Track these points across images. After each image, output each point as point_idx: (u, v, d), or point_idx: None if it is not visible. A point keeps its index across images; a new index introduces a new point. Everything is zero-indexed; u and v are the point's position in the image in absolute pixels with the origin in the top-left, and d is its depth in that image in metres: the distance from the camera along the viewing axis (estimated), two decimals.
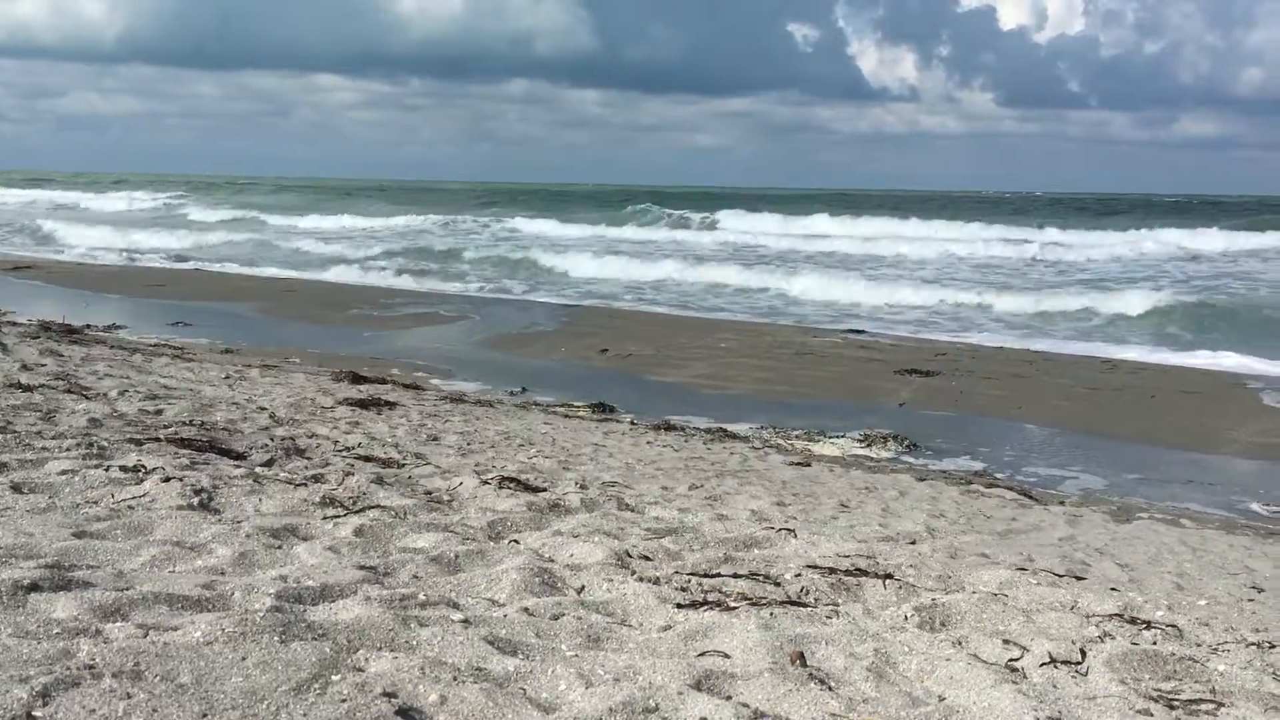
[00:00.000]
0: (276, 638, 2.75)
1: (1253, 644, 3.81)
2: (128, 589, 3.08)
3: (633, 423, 10.09)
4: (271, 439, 6.23)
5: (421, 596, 3.27)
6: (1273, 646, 3.79)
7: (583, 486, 5.83)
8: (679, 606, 3.42)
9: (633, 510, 5.32)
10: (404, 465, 5.95)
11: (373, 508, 4.49)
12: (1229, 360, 15.74)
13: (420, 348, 14.98)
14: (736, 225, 47.83)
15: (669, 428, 9.85)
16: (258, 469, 5.21)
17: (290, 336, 15.37)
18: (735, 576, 3.95)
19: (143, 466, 4.71)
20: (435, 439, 7.48)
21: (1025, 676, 3.07)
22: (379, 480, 5.15)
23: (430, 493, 5.09)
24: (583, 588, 3.59)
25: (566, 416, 10.12)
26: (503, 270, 28.40)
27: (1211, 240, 39.67)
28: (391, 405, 8.93)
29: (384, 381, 10.80)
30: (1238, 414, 11.96)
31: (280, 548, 3.78)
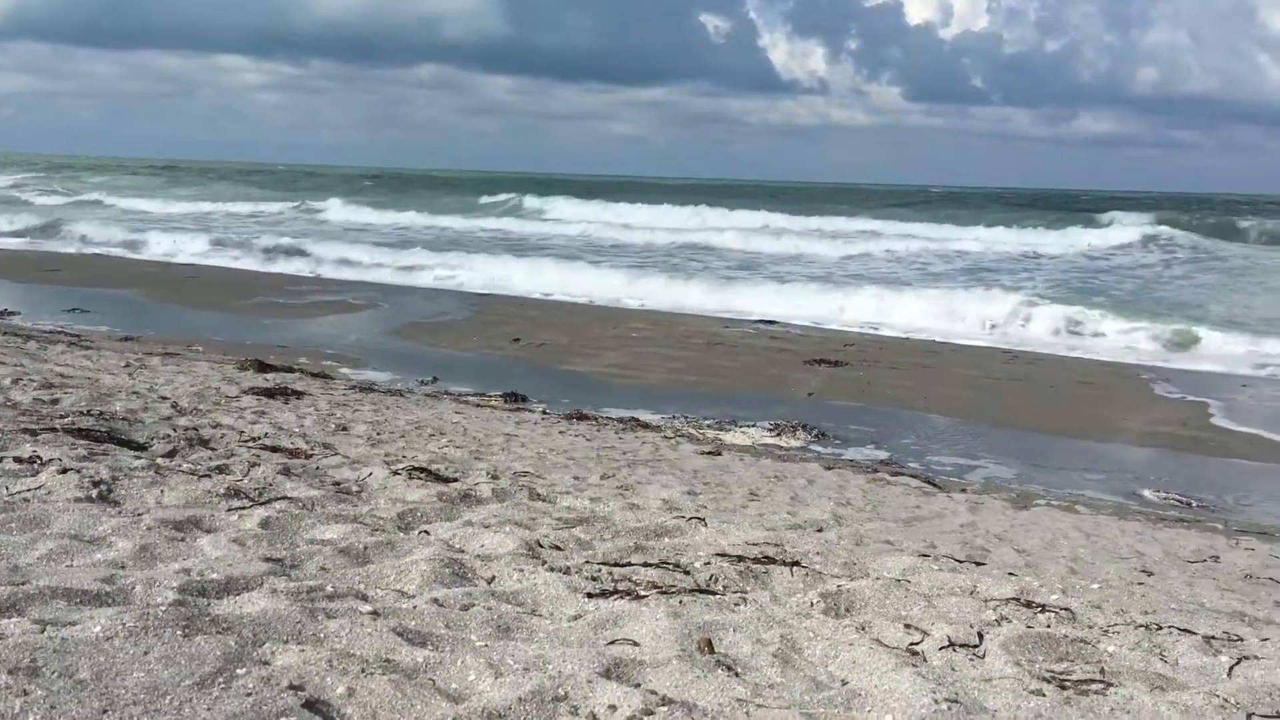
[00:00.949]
0: (179, 632, 2.70)
1: (1141, 626, 3.96)
2: (23, 584, 3.00)
3: (545, 412, 10.08)
4: (174, 429, 6.10)
5: (329, 588, 3.24)
6: (1160, 628, 3.95)
7: (494, 476, 5.81)
8: (589, 596, 3.44)
9: (544, 500, 5.33)
10: (312, 455, 5.87)
11: (279, 499, 4.43)
12: (1119, 351, 16.30)
13: (329, 336, 14.76)
14: (573, 213, 47.73)
15: (582, 417, 9.87)
16: (159, 460, 5.09)
17: (194, 324, 15.03)
18: (646, 565, 3.99)
19: (38, 458, 4.58)
20: (344, 429, 7.39)
21: (925, 660, 3.16)
22: (286, 471, 5.08)
23: (339, 483, 5.03)
24: (493, 578, 3.60)
25: (479, 406, 10.08)
26: None
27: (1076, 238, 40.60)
28: (299, 394, 8.79)
29: (291, 370, 10.63)
30: (1131, 404, 12.39)
31: (183, 540, 3.71)
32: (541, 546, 4.09)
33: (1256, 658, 3.65)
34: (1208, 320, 18.57)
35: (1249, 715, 3.00)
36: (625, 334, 16.15)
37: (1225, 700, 3.08)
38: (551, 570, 3.69)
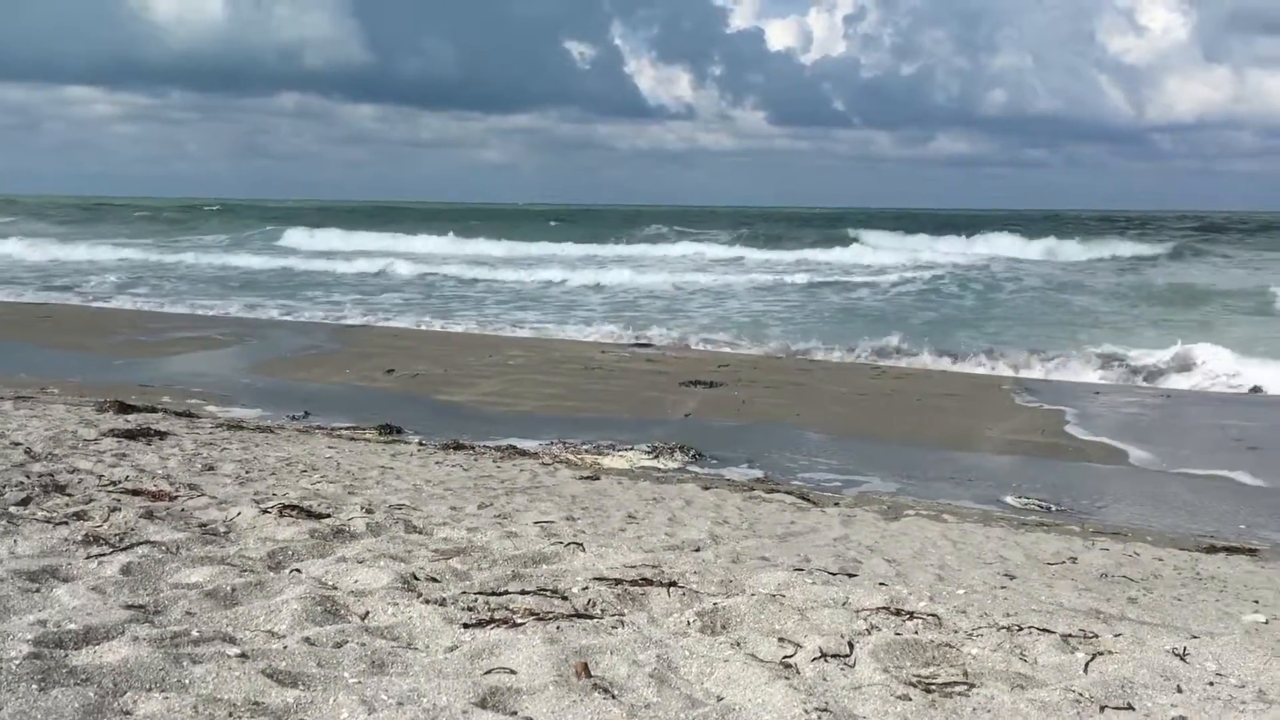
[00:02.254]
0: (35, 686, 2.60)
1: (1003, 628, 4.12)
2: None
3: (421, 443, 9.97)
4: (27, 476, 5.84)
5: (195, 633, 3.15)
6: (1021, 629, 4.11)
7: (369, 511, 5.72)
8: (466, 626, 3.42)
9: (420, 532, 5.28)
10: (176, 497, 5.69)
11: (141, 544, 4.29)
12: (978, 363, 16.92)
13: (194, 373, 14.31)
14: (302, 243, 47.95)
15: (458, 447, 9.78)
16: (11, 509, 4.88)
17: (49, 365, 14.39)
18: (523, 593, 3.98)
19: None
20: (211, 468, 7.18)
21: (798, 672, 3.23)
22: (149, 515, 4.92)
23: (205, 525, 4.90)
24: (367, 613, 3.55)
25: (352, 440, 9.90)
26: None
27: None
28: (163, 435, 8.51)
29: (154, 410, 10.28)
30: (993, 414, 12.86)
31: (38, 591, 3.57)
32: (417, 579, 4.05)
33: (1110, 653, 3.83)
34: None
35: (1102, 708, 3.15)
36: (501, 361, 16.08)
37: (1080, 695, 3.23)
38: (427, 603, 3.66)
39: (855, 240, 48.66)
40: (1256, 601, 5.73)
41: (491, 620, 3.49)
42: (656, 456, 10.03)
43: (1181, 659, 3.78)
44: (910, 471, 9.89)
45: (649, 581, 4.31)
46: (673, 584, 4.27)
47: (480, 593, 3.90)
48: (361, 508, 5.81)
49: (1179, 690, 3.40)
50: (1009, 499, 8.96)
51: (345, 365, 15.40)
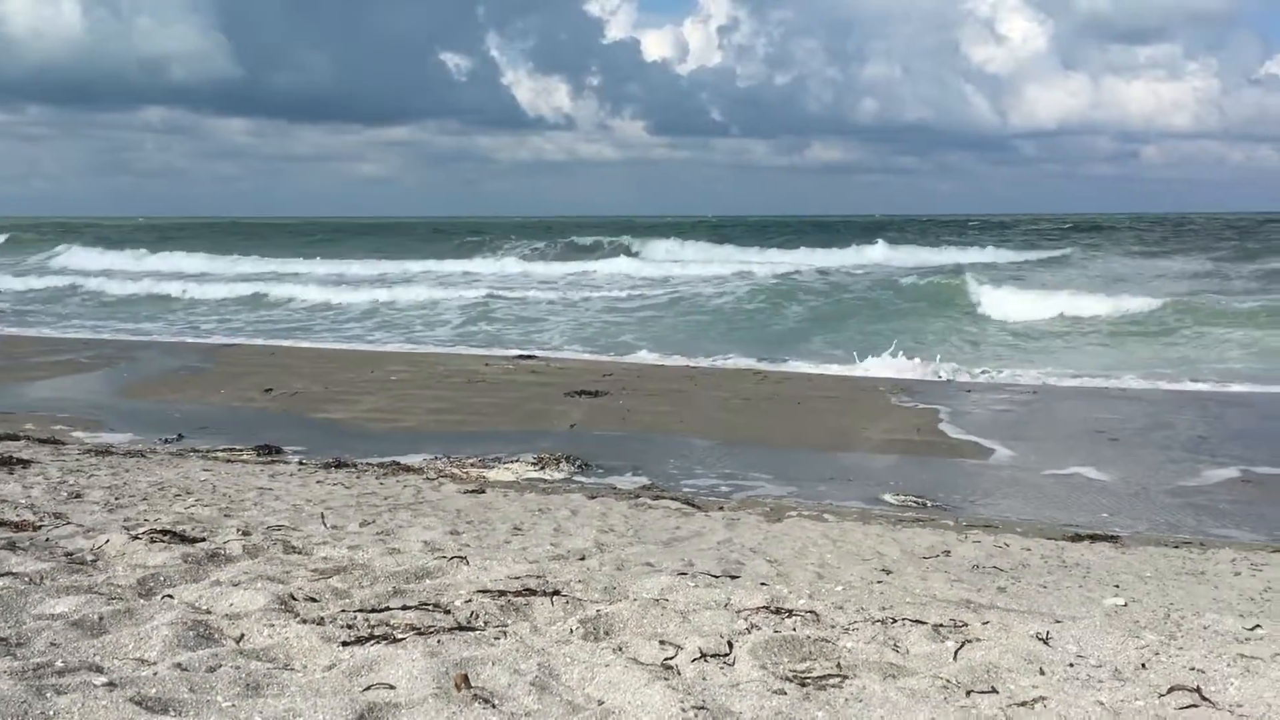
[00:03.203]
0: None
1: (878, 621, 4.24)
2: None
3: (301, 463, 9.78)
4: None
5: (60, 664, 3.06)
6: (895, 621, 4.24)
7: (245, 533, 5.60)
8: (345, 644, 3.39)
9: (300, 552, 5.18)
10: (40, 527, 5.48)
11: (2, 575, 4.12)
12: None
13: (60, 398, 13.78)
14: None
15: (340, 465, 9.63)
16: None
17: None
18: (405, 609, 3.95)
19: None
20: (78, 496, 6.94)
21: (678, 673, 3.28)
22: (10, 546, 4.73)
23: (71, 554, 4.73)
24: (242, 636, 3.48)
25: (229, 461, 9.66)
26: None
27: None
28: (25, 463, 8.18)
29: (16, 438, 9.87)
30: (871, 414, 13.18)
31: None
32: (295, 599, 3.99)
33: (979, 640, 3.98)
34: None
35: (968, 693, 3.28)
36: (383, 377, 15.87)
37: (948, 681, 3.35)
38: (304, 622, 3.61)
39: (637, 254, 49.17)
40: (1117, 586, 6.01)
41: (371, 637, 3.46)
42: (542, 468, 10.03)
43: (1045, 643, 3.95)
44: (792, 474, 10.07)
45: (533, 592, 4.32)
46: (556, 593, 4.29)
47: (360, 610, 3.86)
48: (238, 530, 5.69)
49: (1041, 672, 3.56)
50: (887, 497, 9.20)
51: (220, 385, 15.01)
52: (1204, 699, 3.32)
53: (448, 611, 3.94)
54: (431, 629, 3.59)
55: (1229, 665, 3.76)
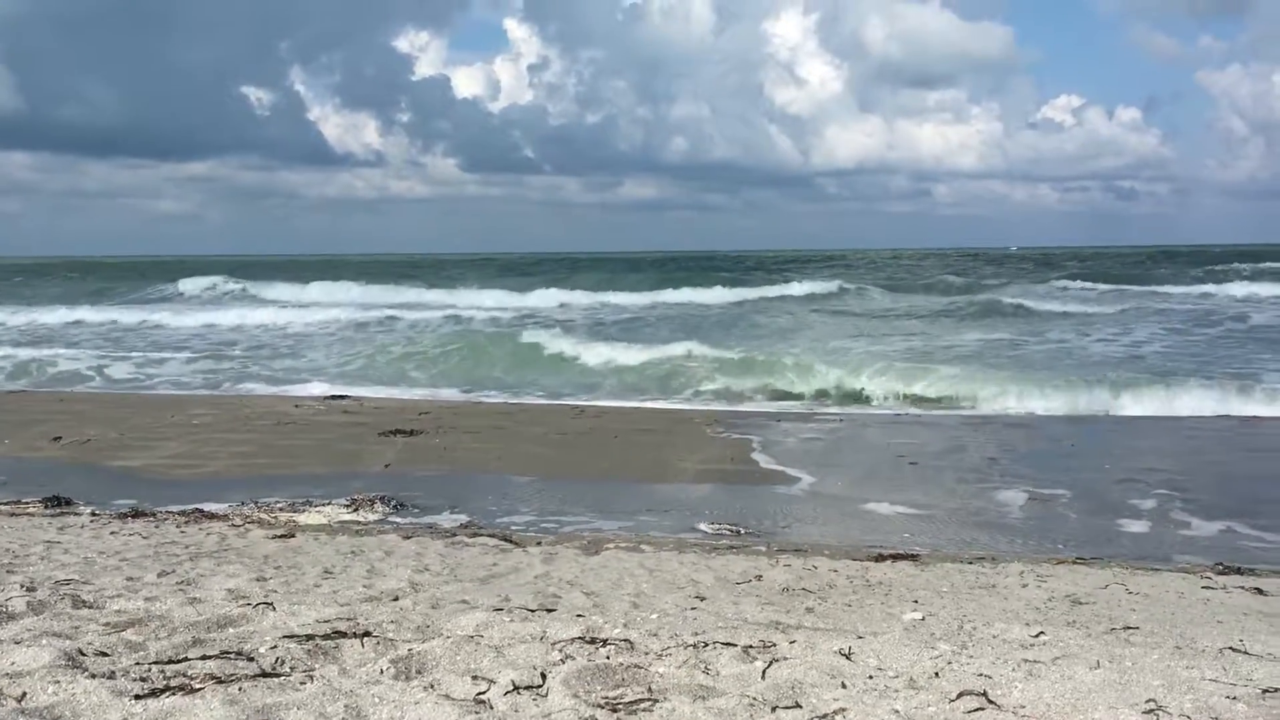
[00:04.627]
0: None
1: (690, 645, 4.34)
2: None
3: (95, 514, 9.25)
4: None
5: None
6: (706, 645, 4.34)
7: (30, 589, 5.27)
8: (137, 697, 3.23)
9: (91, 606, 4.91)
10: None
11: None
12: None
13: None
14: None
15: (138, 515, 9.15)
16: None
17: None
18: (205, 658, 3.80)
19: None
20: None
21: (490, 706, 3.27)
22: None
23: None
24: (24, 695, 3.28)
25: (12, 515, 9.05)
26: None
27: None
28: None
29: None
30: (687, 445, 13.42)
31: None
32: (84, 654, 3.78)
33: (786, 659, 4.12)
34: None
35: (773, 709, 3.39)
36: (185, 421, 15.18)
37: (755, 699, 3.46)
38: (93, 677, 3.42)
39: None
40: (916, 601, 6.29)
41: (167, 689, 3.31)
42: (356, 510, 9.79)
43: (848, 658, 4.11)
44: (610, 506, 10.15)
45: (343, 634, 4.23)
46: (367, 634, 4.21)
47: (156, 662, 3.69)
48: (21, 586, 5.35)
49: (843, 686, 3.70)
50: (702, 525, 9.38)
51: (3, 435, 14.06)
52: (990, 702, 3.53)
53: (251, 659, 3.81)
54: (233, 677, 3.47)
55: (1014, 670, 4.01)
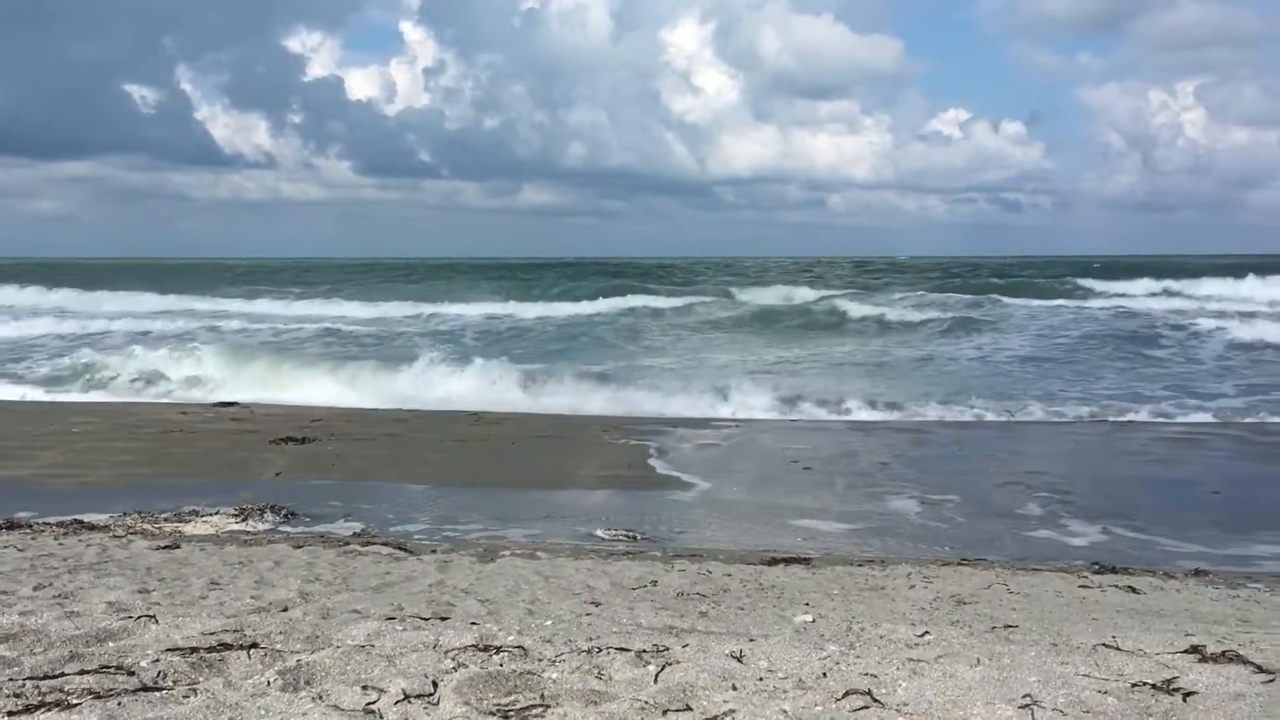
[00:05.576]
0: None
1: (584, 651, 4.35)
2: None
3: None
4: None
5: None
6: (600, 651, 4.37)
7: None
8: (10, 714, 3.12)
9: None
10: None
11: None
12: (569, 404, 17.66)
13: None
14: None
15: (12, 526, 8.80)
16: None
17: None
18: (83, 673, 3.69)
19: None
20: None
21: (380, 716, 3.24)
22: None
23: None
24: None
25: None
26: None
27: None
28: None
29: None
30: (585, 452, 13.44)
31: None
32: None
33: (679, 662, 4.16)
34: None
35: (665, 712, 3.42)
36: (64, 430, 14.65)
37: (647, 703, 3.49)
38: None
39: None
40: (807, 604, 6.41)
41: (42, 705, 3.21)
42: (245, 519, 9.57)
43: (739, 660, 4.18)
44: (507, 513, 10.11)
45: (228, 646, 4.14)
46: (254, 645, 4.13)
47: (31, 678, 3.57)
48: None
49: (734, 688, 3.76)
50: (599, 532, 9.40)
51: None
52: (875, 700, 3.62)
53: (132, 673, 3.71)
54: (112, 692, 3.37)
55: (899, 669, 4.12)
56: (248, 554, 7.93)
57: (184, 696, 3.38)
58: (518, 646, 4.33)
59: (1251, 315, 35.25)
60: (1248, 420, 16.54)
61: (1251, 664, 4.36)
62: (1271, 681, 4.08)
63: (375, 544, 8.55)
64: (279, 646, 4.19)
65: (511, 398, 18.81)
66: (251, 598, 6.04)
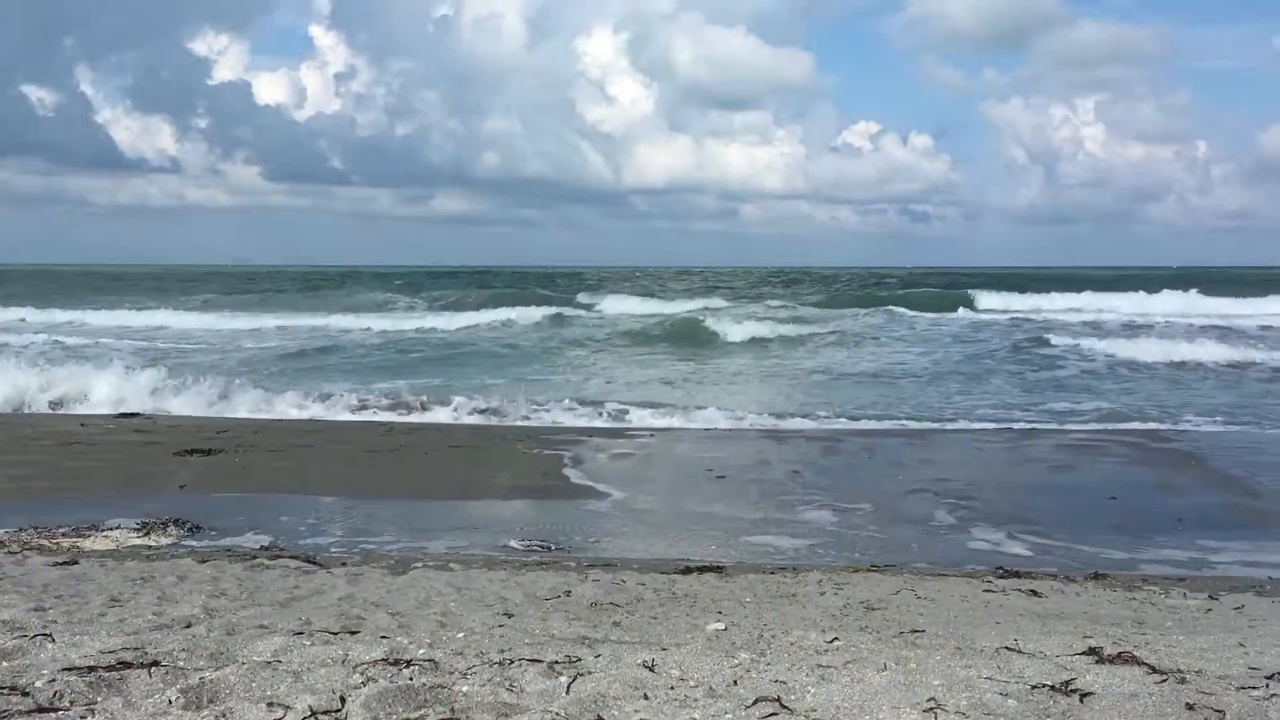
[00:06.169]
0: None
1: (496, 663, 4.33)
2: None
3: None
4: None
5: None
6: (512, 663, 4.35)
7: None
8: None
9: None
10: None
11: None
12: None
13: None
14: None
15: None
16: None
17: None
18: None
19: None
20: None
21: None
22: None
23: None
24: None
25: None
26: None
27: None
28: None
29: None
30: (499, 462, 13.36)
31: None
32: None
33: (591, 673, 4.17)
34: None
35: None
36: None
37: (558, 714, 3.49)
38: None
39: None
40: (720, 612, 6.46)
41: None
42: (147, 533, 9.33)
43: (651, 670, 4.20)
44: (420, 525, 10.01)
45: (128, 664, 4.04)
46: (156, 663, 4.04)
47: None
48: None
49: (645, 698, 3.78)
50: (513, 542, 9.36)
51: None
52: (784, 707, 3.67)
53: (26, 694, 3.59)
54: (5, 714, 3.26)
55: (808, 675, 4.18)
56: (150, 569, 7.73)
57: (81, 717, 3.29)
58: (428, 660, 4.30)
59: (1148, 327, 36.60)
60: (1140, 427, 17.11)
61: (1146, 665, 4.51)
62: (1164, 682, 4.23)
63: (284, 557, 8.39)
64: (181, 664, 4.09)
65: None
66: (153, 614, 5.89)
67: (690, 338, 35.12)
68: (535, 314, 45.56)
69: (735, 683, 4.00)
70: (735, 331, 35.20)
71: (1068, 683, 4.19)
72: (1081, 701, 3.95)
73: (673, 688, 3.93)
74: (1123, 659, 4.62)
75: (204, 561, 8.12)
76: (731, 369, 27.20)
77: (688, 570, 8.15)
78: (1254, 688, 4.18)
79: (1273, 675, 4.39)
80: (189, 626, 5.41)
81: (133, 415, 17.07)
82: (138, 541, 9.09)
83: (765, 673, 4.20)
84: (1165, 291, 52.17)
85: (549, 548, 9.19)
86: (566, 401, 18.95)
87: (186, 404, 18.49)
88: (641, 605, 6.73)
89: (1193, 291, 52.04)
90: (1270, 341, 31.43)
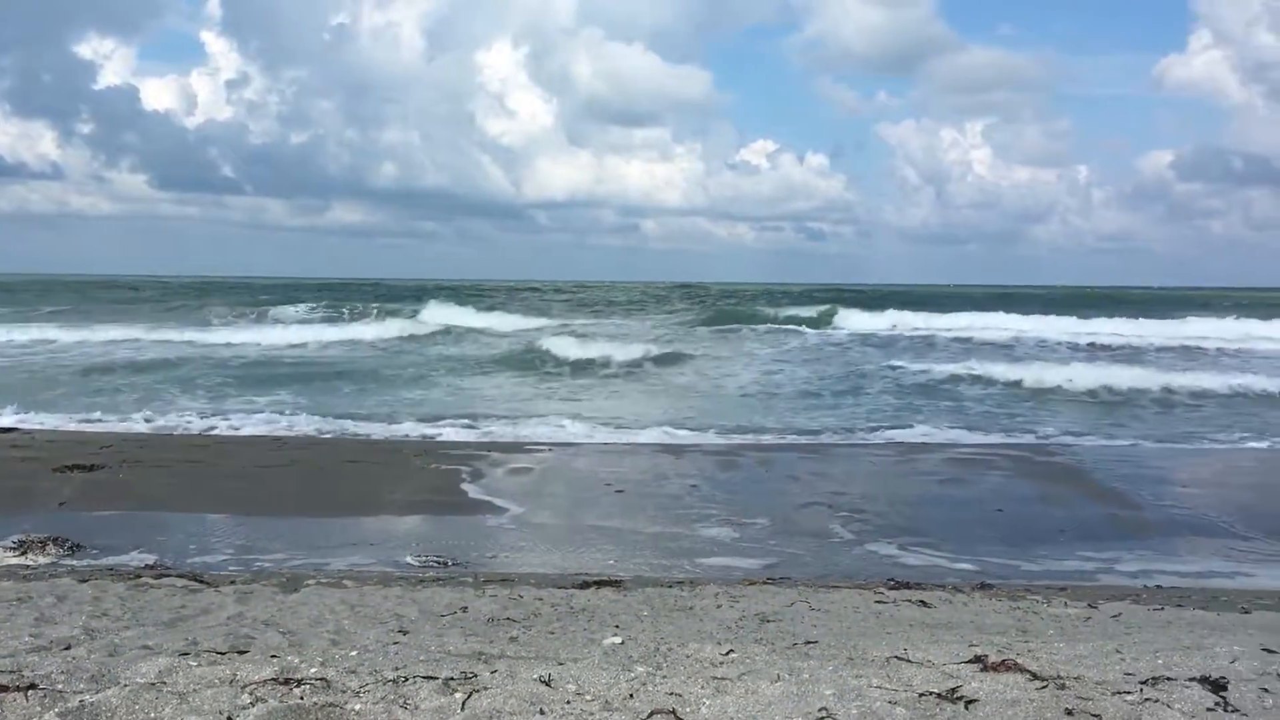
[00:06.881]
0: None
1: (390, 681, 4.29)
2: None
3: None
4: None
5: None
6: (407, 680, 4.31)
7: None
8: None
9: None
10: None
11: None
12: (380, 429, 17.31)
13: None
14: None
15: None
16: None
17: None
18: None
19: None
20: None
21: None
22: None
23: None
24: None
25: None
26: None
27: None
28: None
29: None
30: (396, 477, 13.19)
31: None
32: None
33: (487, 689, 4.15)
34: None
35: None
36: None
37: None
38: None
39: None
40: (617, 626, 6.48)
41: None
42: (24, 553, 8.98)
43: (548, 685, 4.19)
44: (313, 542, 9.83)
45: (4, 688, 3.89)
46: (33, 686, 3.90)
47: None
48: None
49: (541, 712, 3.78)
50: (409, 558, 9.25)
51: None
52: (679, 719, 3.70)
53: None
54: None
55: (703, 687, 4.22)
56: (27, 589, 7.45)
57: None
58: (320, 678, 4.23)
59: (1039, 345, 37.78)
60: (1027, 441, 17.66)
61: (1027, 672, 4.67)
62: (1045, 688, 4.38)
63: (169, 576, 8.16)
64: (60, 687, 3.96)
65: None
66: (30, 636, 5.68)
67: (529, 364, 33.39)
68: (396, 328, 44.13)
69: (631, 696, 4.02)
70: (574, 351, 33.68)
71: (953, 690, 4.31)
72: (966, 708, 4.07)
73: (569, 702, 3.94)
74: (1006, 666, 4.76)
75: (85, 581, 7.85)
76: (650, 383, 27.24)
77: (585, 585, 8.15)
78: (1129, 692, 4.35)
79: (1147, 680, 4.57)
80: (68, 648, 5.23)
81: (9, 430, 16.41)
82: (14, 561, 8.75)
83: (661, 685, 4.23)
84: (1041, 314, 53.72)
85: (446, 563, 9.10)
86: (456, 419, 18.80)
87: None
88: (539, 620, 6.71)
89: (1072, 315, 53.80)
90: (1152, 359, 32.71)
